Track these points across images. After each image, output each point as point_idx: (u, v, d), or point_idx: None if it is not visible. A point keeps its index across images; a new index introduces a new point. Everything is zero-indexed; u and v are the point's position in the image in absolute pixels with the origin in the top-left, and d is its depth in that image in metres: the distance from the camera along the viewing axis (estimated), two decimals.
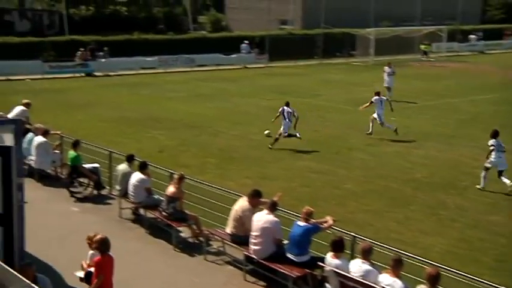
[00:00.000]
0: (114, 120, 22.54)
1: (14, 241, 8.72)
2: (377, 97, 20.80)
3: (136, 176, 12.37)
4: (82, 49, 36.85)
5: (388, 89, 27.64)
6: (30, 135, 15.45)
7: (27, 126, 16.34)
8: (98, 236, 8.47)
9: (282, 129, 18.69)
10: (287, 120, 18.73)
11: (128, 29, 49.05)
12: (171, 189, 11.53)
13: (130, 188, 12.38)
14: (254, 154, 17.97)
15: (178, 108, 25.43)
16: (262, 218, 9.79)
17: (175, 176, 11.66)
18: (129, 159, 13.07)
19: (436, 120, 23.40)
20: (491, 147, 15.25)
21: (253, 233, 9.82)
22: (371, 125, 20.35)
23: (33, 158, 14.99)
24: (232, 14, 66.00)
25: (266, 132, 19.62)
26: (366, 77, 37.04)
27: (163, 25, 61.67)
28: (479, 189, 15.01)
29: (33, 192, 13.59)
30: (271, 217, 9.74)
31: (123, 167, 12.98)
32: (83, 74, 36.32)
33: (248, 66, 42.25)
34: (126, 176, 12.67)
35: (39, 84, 31.82)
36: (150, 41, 43.78)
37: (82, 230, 10.49)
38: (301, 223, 9.50)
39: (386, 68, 28.57)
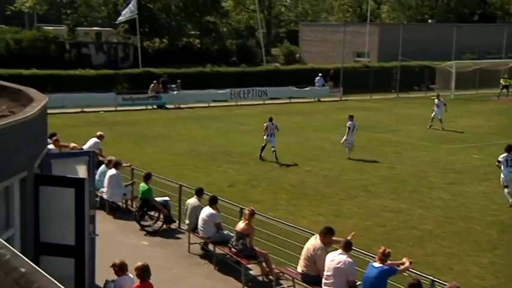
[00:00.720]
0: (184, 154, 23.01)
1: (85, 273, 8.99)
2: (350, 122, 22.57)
3: (206, 211, 12.53)
4: (155, 81, 38.04)
5: (440, 120, 29.25)
6: (102, 167, 16.01)
7: (100, 158, 16.96)
8: (140, 263, 8.59)
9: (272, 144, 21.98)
10: (271, 136, 22.30)
11: (200, 61, 50.38)
12: (241, 225, 11.59)
13: (200, 223, 12.54)
14: (327, 191, 17.86)
15: (249, 142, 25.67)
16: (335, 258, 9.67)
17: (246, 212, 11.73)
18: (199, 193, 13.28)
19: None
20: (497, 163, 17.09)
21: (326, 273, 9.70)
22: None
23: (104, 190, 15.50)
24: (306, 46, 66.51)
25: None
26: (447, 112, 36.21)
27: (236, 57, 62.96)
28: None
29: (103, 224, 14.03)
30: (345, 257, 9.61)
31: (192, 201, 13.18)
32: (154, 107, 37.43)
33: (322, 99, 42.29)
34: (196, 210, 12.86)
35: (112, 117, 33.01)
36: (223, 73, 44.72)
37: (151, 264, 10.69)
38: (377, 264, 9.32)
39: (436, 100, 30.25)
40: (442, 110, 29.98)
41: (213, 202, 12.62)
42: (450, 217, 15.45)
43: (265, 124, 22.77)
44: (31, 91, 10.62)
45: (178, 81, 38.98)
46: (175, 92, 38.43)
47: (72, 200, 9.08)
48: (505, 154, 16.95)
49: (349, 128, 22.76)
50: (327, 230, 10.30)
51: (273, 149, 22.09)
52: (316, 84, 43.49)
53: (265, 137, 22.38)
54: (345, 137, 22.66)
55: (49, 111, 11.21)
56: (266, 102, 40.16)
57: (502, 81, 46.12)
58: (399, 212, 15.82)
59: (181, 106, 37.59)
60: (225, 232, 12.42)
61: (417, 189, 18.09)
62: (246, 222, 11.54)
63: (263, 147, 22.31)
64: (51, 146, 14.64)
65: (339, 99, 42.72)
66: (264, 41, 65.70)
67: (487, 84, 45.87)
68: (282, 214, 14.86)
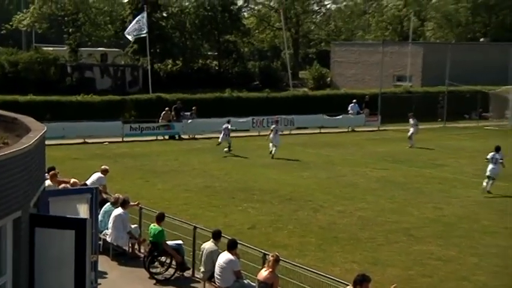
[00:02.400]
0: (199, 191, 23.10)
1: None
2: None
3: (224, 257, 12.52)
4: (167, 108, 38.41)
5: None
6: (107, 206, 16.13)
7: (104, 195, 17.10)
8: None
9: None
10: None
11: (218, 86, 50.88)
12: (264, 273, 11.56)
13: (217, 270, 12.53)
14: (363, 234, 17.76)
15: (273, 178, 25.71)
16: None
17: (270, 258, 11.70)
18: (216, 236, 13.28)
19: None
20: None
21: None
22: None
23: (108, 232, 15.58)
24: (339, 69, 66.85)
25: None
26: (503, 144, 35.86)
27: (259, 81, 63.43)
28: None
29: (107, 271, 14.08)
30: None
31: (208, 245, 13.19)
32: (166, 137, 37.75)
33: (356, 129, 42.31)
34: (212, 256, 12.86)
35: (118, 148, 33.34)
36: (244, 99, 45.05)
37: None
38: None
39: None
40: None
41: (231, 247, 12.61)
42: (508, 267, 15.24)
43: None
44: (27, 120, 10.81)
45: (194, 108, 39.31)
46: (189, 121, 38.73)
47: (72, 244, 9.16)
48: (493, 153, 23.65)
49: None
50: (363, 278, 10.19)
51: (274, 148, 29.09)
52: (350, 111, 43.55)
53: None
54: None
55: (47, 142, 11.38)
56: (293, 132, 40.30)
57: None
58: (447, 261, 15.65)
59: (197, 136, 37.85)
60: (246, 281, 12.38)
61: (468, 234, 17.89)
62: (270, 270, 11.50)
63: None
64: (48, 182, 14.82)
65: (376, 129, 42.69)
66: (291, 63, 66.21)
67: None
68: (311, 261, 14.78)
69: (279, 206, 20.96)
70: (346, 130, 42.00)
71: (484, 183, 23.27)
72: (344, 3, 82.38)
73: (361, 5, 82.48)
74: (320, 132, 40.78)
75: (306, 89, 58.27)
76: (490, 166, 23.47)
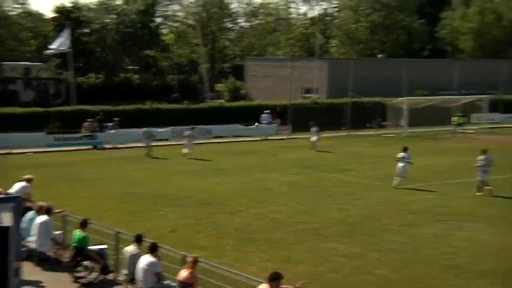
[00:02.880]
0: (122, 197, 22.67)
1: None
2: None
3: (146, 259, 12.32)
4: (89, 120, 37.60)
5: None
6: (30, 213, 15.57)
7: (28, 204, 16.50)
8: None
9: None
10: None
11: (139, 98, 50.18)
12: (183, 273, 11.43)
13: (139, 273, 12.31)
14: (276, 235, 17.85)
15: (192, 184, 25.55)
16: None
17: (189, 259, 11.59)
18: (138, 240, 13.06)
19: (480, 199, 23.13)
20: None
21: None
22: None
23: (32, 239, 15.04)
24: (253, 82, 67.30)
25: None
26: (399, 150, 37.00)
27: (178, 93, 63.04)
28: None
29: (31, 277, 13.57)
30: None
31: (131, 248, 12.95)
32: (90, 147, 36.94)
33: (269, 137, 42.64)
34: (134, 259, 12.63)
35: (43, 158, 32.35)
36: (163, 110, 44.65)
37: None
38: None
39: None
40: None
41: (153, 250, 12.43)
42: (406, 261, 15.63)
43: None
44: None
45: (116, 119, 38.66)
46: (112, 131, 38.05)
47: None
48: (402, 153, 25.35)
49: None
50: (275, 276, 10.24)
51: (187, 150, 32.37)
52: (263, 121, 43.87)
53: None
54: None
55: None
56: (210, 141, 40.20)
57: (455, 118, 47.55)
58: (352, 257, 15.91)
59: (119, 146, 37.20)
60: (167, 282, 12.21)
61: (371, 232, 18.28)
62: (190, 270, 11.40)
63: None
64: None
65: (287, 137, 43.16)
66: (208, 77, 66.17)
67: (440, 121, 47.22)
68: (228, 261, 14.73)
69: (197, 210, 20.82)
70: (259, 138, 42.26)
71: (395, 181, 24.95)
72: (256, 21, 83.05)
73: (272, 23, 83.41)
74: (236, 141, 40.87)
75: (222, 101, 58.28)
76: (400, 165, 25.06)
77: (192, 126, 35.97)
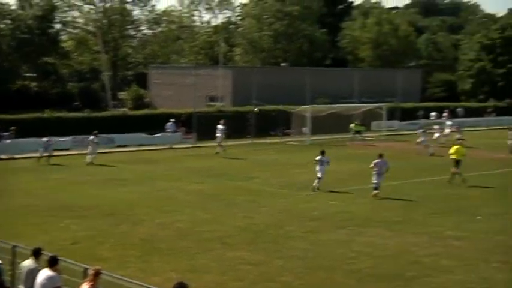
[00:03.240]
0: (19, 209, 21.89)
1: None
2: None
3: (44, 274, 11.93)
4: None
5: None
6: None
7: None
8: None
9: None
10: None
11: (38, 107, 48.57)
12: (84, 287, 11.17)
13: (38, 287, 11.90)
14: (181, 244, 17.78)
15: (94, 194, 25.02)
16: None
17: (90, 272, 11.33)
18: (36, 253, 12.61)
19: (378, 204, 23.96)
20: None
21: None
22: None
23: None
24: (156, 90, 66.75)
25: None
26: (302, 157, 37.81)
27: (79, 102, 61.55)
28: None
29: None
30: None
31: (28, 263, 12.50)
32: None
33: (174, 146, 42.37)
34: (32, 274, 12.19)
35: None
36: (64, 119, 43.43)
37: None
38: None
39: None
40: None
41: (52, 263, 12.04)
42: (309, 267, 15.95)
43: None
44: None
45: (12, 128, 37.26)
46: (8, 141, 36.62)
47: None
48: (319, 156, 26.65)
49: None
50: (180, 285, 10.15)
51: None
52: (168, 130, 43.58)
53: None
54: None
55: None
56: (113, 150, 39.47)
57: (352, 126, 48.89)
58: (257, 265, 16.08)
59: (16, 156, 35.82)
60: None
61: (275, 240, 18.54)
62: (91, 283, 11.13)
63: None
64: None
65: (192, 145, 43.04)
66: (110, 85, 65.05)
67: (342, 129, 48.53)
68: (132, 272, 14.52)
69: (100, 221, 20.41)
70: (164, 147, 41.94)
71: (315, 183, 26.20)
72: (159, 29, 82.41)
73: (175, 30, 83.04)
74: (140, 150, 40.36)
75: (125, 109, 57.42)
76: (318, 167, 26.42)
77: (95, 132, 35.27)
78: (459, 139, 37.25)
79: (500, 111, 67.54)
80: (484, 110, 67.89)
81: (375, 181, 25.06)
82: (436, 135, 44.58)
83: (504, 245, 17.97)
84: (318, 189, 26.09)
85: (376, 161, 25.46)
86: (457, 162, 28.35)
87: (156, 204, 23.25)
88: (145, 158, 37.07)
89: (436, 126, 46.49)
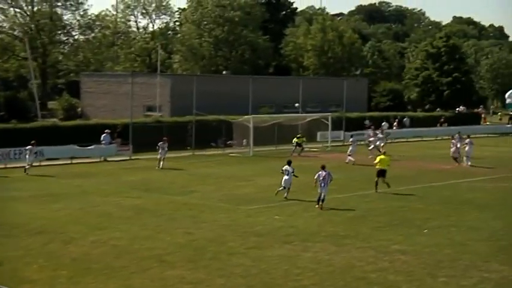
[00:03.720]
0: None
1: None
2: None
3: None
4: None
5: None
6: None
7: None
8: None
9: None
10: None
11: None
12: None
13: None
14: (117, 263, 17.55)
15: (22, 211, 24.51)
16: None
17: None
18: None
19: (324, 218, 24.23)
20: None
21: None
22: None
23: None
24: (89, 99, 65.92)
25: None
26: (245, 169, 37.97)
27: (5, 112, 60.13)
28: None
29: None
30: None
31: None
32: None
33: (109, 159, 41.88)
34: None
35: None
36: None
37: None
38: None
39: None
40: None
41: None
42: (252, 285, 15.99)
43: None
44: None
45: None
46: None
47: None
48: (286, 166, 27.87)
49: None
50: None
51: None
52: (102, 142, 43.00)
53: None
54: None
55: None
56: (42, 163, 38.71)
57: (295, 139, 48.41)
58: (198, 283, 16.02)
59: None
60: None
61: (216, 256, 18.52)
62: None
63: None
64: None
65: (128, 158, 42.62)
66: (39, 93, 63.78)
67: (286, 140, 48.84)
68: None
69: (28, 240, 19.97)
70: (98, 160, 41.39)
71: (285, 194, 27.66)
72: (92, 34, 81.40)
73: (109, 36, 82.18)
74: (72, 163, 39.71)
75: (55, 120, 56.41)
76: (285, 177, 27.66)
77: (33, 142, 36.09)
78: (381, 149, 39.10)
79: (447, 121, 69.31)
80: (437, 120, 69.55)
81: (322, 192, 25.64)
82: (371, 146, 45.66)
83: (451, 259, 18.42)
84: (286, 198, 27.47)
85: (319, 172, 25.86)
86: (382, 172, 29.89)
87: (90, 221, 22.91)
88: (77, 171, 36.52)
89: (370, 138, 47.30)
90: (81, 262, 17.65)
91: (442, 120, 69.32)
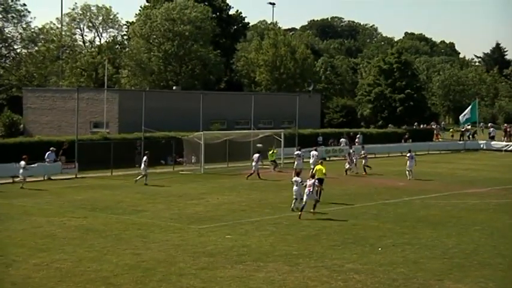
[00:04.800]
0: None
1: None
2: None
3: None
4: None
5: None
6: None
7: None
8: None
9: None
10: None
11: None
12: None
13: None
14: (61, 287, 17.19)
15: None
16: None
17: None
18: None
19: (277, 237, 24.23)
20: None
21: None
22: None
23: None
24: (33, 115, 64.86)
25: None
26: (196, 187, 37.77)
27: None
28: None
29: None
30: None
31: None
32: None
33: (53, 177, 41.19)
34: None
35: None
36: None
37: None
38: None
39: None
40: None
41: None
42: None
43: None
44: None
45: None
46: None
47: None
48: (296, 177, 29.08)
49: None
50: None
51: None
52: (47, 159, 42.29)
53: None
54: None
55: None
56: None
57: (269, 154, 47.77)
58: None
59: None
60: None
61: (166, 278, 18.31)
62: None
63: None
64: None
65: (74, 176, 42.00)
66: None
67: (238, 157, 48.88)
68: None
69: None
70: (41, 179, 40.66)
71: (296, 204, 28.69)
72: (36, 48, 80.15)
73: (54, 50, 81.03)
74: (13, 182, 38.91)
75: None
76: (295, 188, 28.86)
77: (25, 156, 36.95)
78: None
79: (400, 138, 70.36)
80: (402, 136, 70.58)
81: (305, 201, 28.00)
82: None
83: (405, 278, 18.60)
84: (297, 209, 28.34)
85: (308, 181, 28.32)
86: (320, 181, 31.85)
87: (32, 243, 22.43)
88: (18, 191, 35.79)
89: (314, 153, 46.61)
90: (23, 286, 17.25)
91: (407, 136, 70.50)
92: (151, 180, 39.98)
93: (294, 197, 29.00)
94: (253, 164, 42.14)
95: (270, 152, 47.65)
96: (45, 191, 36.15)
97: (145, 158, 39.83)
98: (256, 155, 42.56)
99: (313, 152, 45.35)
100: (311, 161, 44.27)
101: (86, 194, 34.72)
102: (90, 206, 30.81)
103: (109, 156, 43.69)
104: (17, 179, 38.69)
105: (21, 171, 37.92)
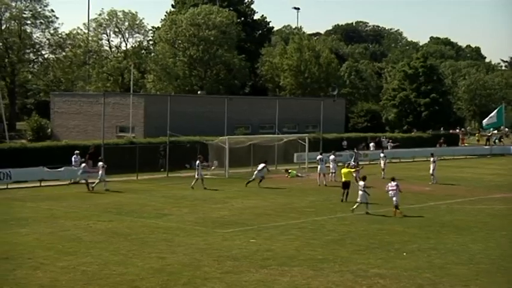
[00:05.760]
0: None
1: None
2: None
3: None
4: None
5: None
6: None
7: None
8: None
9: None
10: None
11: None
12: None
13: None
14: None
15: None
16: None
17: None
18: None
19: (302, 241, 24.18)
20: None
21: None
22: None
23: None
24: (60, 120, 65.45)
25: None
26: (220, 192, 37.82)
27: None
28: None
29: None
30: None
31: None
32: None
33: (80, 181, 41.47)
34: None
35: None
36: None
37: None
38: None
39: None
40: None
41: None
42: None
43: None
44: None
45: None
46: None
47: None
48: (361, 182, 30.53)
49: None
50: None
51: None
52: (73, 164, 42.61)
53: None
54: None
55: None
56: (10, 186, 38.24)
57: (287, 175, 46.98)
58: None
59: None
60: None
61: (191, 282, 18.34)
62: None
63: None
64: None
65: (99, 180, 42.21)
66: (7, 114, 63.23)
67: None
68: None
69: None
70: (68, 183, 41.00)
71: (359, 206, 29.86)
72: (63, 53, 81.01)
73: (81, 55, 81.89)
74: (41, 186, 39.28)
75: (24, 141, 55.84)
76: (360, 192, 30.01)
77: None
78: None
79: (425, 142, 69.87)
80: (437, 141, 70.62)
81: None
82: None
83: (431, 283, 18.45)
84: (367, 213, 29.88)
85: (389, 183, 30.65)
86: (346, 184, 33.64)
87: (59, 246, 22.61)
88: (46, 194, 36.12)
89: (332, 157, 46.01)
90: None
91: (442, 140, 70.19)
92: (176, 184, 40.08)
93: (359, 200, 30.02)
94: (255, 172, 41.62)
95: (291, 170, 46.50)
96: (74, 194, 36.40)
97: (198, 162, 39.83)
98: (262, 165, 42.05)
99: (332, 157, 45.09)
100: (331, 165, 44.08)
101: (112, 198, 34.94)
102: (115, 209, 30.98)
103: (134, 160, 43.94)
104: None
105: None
